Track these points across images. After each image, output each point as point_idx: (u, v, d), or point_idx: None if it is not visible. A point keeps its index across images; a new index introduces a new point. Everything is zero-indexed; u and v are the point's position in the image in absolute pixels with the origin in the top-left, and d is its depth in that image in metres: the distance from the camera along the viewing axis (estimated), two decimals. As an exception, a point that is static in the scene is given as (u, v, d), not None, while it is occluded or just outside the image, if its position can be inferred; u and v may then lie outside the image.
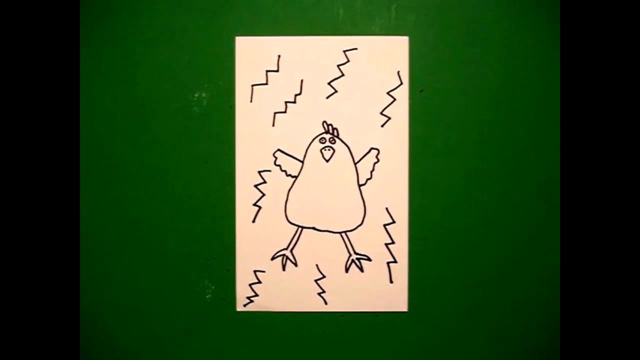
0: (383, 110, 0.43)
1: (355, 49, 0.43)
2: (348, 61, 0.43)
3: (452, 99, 0.43)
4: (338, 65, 0.43)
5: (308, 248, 0.43)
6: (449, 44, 0.43)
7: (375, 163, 0.43)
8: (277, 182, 0.43)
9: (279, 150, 0.43)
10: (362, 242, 0.43)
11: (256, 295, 0.43)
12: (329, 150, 0.43)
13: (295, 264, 0.43)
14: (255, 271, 0.43)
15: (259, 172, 0.43)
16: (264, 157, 0.43)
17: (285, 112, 0.43)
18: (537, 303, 0.43)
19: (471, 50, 0.43)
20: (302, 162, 0.43)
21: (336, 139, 0.43)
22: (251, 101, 0.43)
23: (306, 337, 0.43)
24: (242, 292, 0.43)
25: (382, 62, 0.43)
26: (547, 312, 0.42)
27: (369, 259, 0.43)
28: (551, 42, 0.42)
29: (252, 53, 0.43)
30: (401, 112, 0.43)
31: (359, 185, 0.43)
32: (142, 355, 0.44)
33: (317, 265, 0.43)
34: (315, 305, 0.43)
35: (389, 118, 0.43)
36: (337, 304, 0.43)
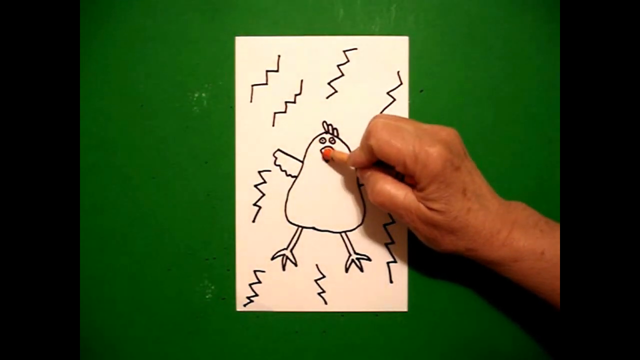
0: (383, 111, 0.43)
1: (355, 49, 0.43)
2: (348, 61, 0.43)
3: (452, 99, 0.43)
4: (338, 65, 0.43)
5: (308, 248, 0.43)
6: (449, 44, 0.43)
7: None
8: (277, 182, 0.43)
9: (279, 150, 0.43)
10: (362, 242, 0.43)
11: (256, 295, 0.43)
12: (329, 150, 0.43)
13: (295, 264, 0.43)
14: (255, 271, 0.43)
15: (259, 172, 0.43)
16: (264, 157, 0.43)
17: (285, 112, 0.43)
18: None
19: (471, 50, 0.43)
20: (302, 162, 0.43)
21: (336, 139, 0.43)
22: (251, 101, 0.43)
23: (306, 337, 0.43)
24: (242, 292, 0.43)
25: (382, 62, 0.43)
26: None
27: (369, 259, 0.43)
28: (551, 42, 0.42)
29: (252, 53, 0.43)
30: (401, 112, 0.43)
31: (359, 185, 0.43)
32: (142, 355, 0.44)
33: (317, 265, 0.43)
34: (315, 305, 0.43)
35: (389, 118, 0.43)
36: (337, 304, 0.43)
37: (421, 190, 0.35)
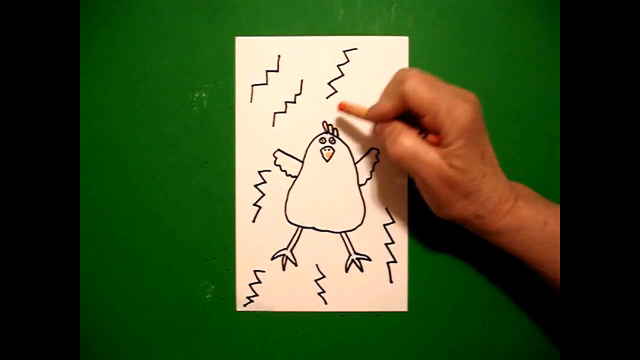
0: (383, 110, 0.43)
1: (355, 49, 0.43)
2: (348, 61, 0.43)
3: (452, 99, 0.43)
4: (338, 65, 0.43)
5: (308, 248, 0.43)
6: (449, 44, 0.43)
7: (375, 163, 0.43)
8: (277, 182, 0.43)
9: (279, 150, 0.43)
10: (362, 242, 0.43)
11: (256, 295, 0.43)
12: (329, 150, 0.43)
13: (295, 264, 0.43)
14: (255, 271, 0.43)
15: (259, 172, 0.43)
16: (264, 157, 0.43)
17: (285, 112, 0.43)
18: (540, 303, 0.43)
19: (471, 50, 0.43)
20: (302, 162, 0.43)
21: (336, 139, 0.43)
22: (251, 101, 0.43)
23: (306, 337, 0.43)
24: (242, 292, 0.43)
25: (382, 62, 0.43)
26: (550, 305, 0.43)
27: (369, 259, 0.43)
28: (551, 42, 0.42)
29: (252, 53, 0.43)
30: (401, 112, 0.42)
31: (359, 185, 0.43)
32: (142, 355, 0.44)
33: (317, 265, 0.43)
34: (315, 305, 0.43)
35: (389, 118, 0.43)
36: (337, 304, 0.43)
37: (447, 145, 0.35)
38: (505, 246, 0.37)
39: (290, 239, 0.43)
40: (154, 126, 0.43)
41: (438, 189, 0.36)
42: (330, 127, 0.43)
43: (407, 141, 0.36)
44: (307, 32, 0.43)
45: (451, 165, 0.35)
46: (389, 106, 0.37)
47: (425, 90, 0.34)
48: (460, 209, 0.36)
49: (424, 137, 0.36)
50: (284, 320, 0.43)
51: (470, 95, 0.36)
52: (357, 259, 0.43)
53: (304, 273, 0.43)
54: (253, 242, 0.43)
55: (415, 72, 0.36)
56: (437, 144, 0.35)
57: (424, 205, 0.39)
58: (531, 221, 0.36)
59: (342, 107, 0.41)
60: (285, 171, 0.43)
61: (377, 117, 0.38)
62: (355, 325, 0.43)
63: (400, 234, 0.43)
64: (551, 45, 0.42)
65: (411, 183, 0.43)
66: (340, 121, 0.43)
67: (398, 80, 0.36)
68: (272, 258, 0.43)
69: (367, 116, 0.39)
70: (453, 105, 0.34)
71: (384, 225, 0.43)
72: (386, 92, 0.37)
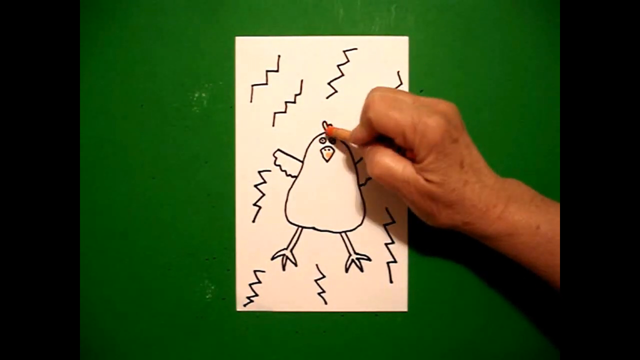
0: (383, 110, 0.43)
1: (355, 49, 0.43)
2: (348, 61, 0.43)
3: (451, 99, 0.42)
4: (338, 65, 0.43)
5: (308, 248, 0.43)
6: (449, 44, 0.43)
7: (375, 163, 0.43)
8: (277, 182, 0.43)
9: (279, 150, 0.43)
10: (362, 242, 0.43)
11: (256, 295, 0.43)
12: (329, 150, 0.43)
13: (295, 264, 0.43)
14: (255, 271, 0.43)
15: (259, 172, 0.43)
16: (264, 157, 0.43)
17: (285, 112, 0.43)
18: (540, 303, 0.43)
19: (471, 50, 0.43)
20: (302, 162, 0.43)
21: (336, 139, 0.43)
22: (251, 101, 0.43)
23: (306, 337, 0.43)
24: (242, 292, 0.43)
25: (382, 62, 0.43)
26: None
27: (369, 259, 0.43)
28: (551, 42, 0.42)
29: (252, 53, 0.43)
30: (401, 112, 0.42)
31: (359, 185, 0.43)
32: (142, 355, 0.44)
33: (317, 265, 0.43)
34: (315, 305, 0.43)
35: (389, 118, 0.43)
36: (337, 304, 0.43)
37: (420, 161, 0.35)
38: (500, 250, 0.37)
39: (290, 239, 0.43)
40: (154, 126, 0.43)
41: (420, 203, 0.36)
42: (330, 127, 0.43)
43: (382, 160, 0.36)
44: (307, 32, 0.43)
45: (427, 180, 0.35)
46: (363, 132, 0.37)
47: (387, 115, 0.34)
48: (446, 218, 0.36)
49: (404, 153, 0.37)
50: (284, 320, 0.43)
51: (441, 106, 0.35)
52: (357, 259, 0.43)
53: (304, 273, 0.43)
54: (253, 242, 0.43)
55: (377, 97, 0.35)
56: (414, 159, 0.36)
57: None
58: (523, 227, 0.35)
59: (330, 132, 0.42)
60: (285, 171, 0.43)
61: (356, 142, 0.39)
62: (355, 325, 0.43)
63: (400, 234, 0.43)
64: (551, 45, 0.42)
65: (411, 183, 0.42)
66: (340, 121, 0.43)
67: (365, 107, 0.36)
68: (272, 258, 0.43)
69: (349, 140, 0.40)
70: (418, 124, 0.34)
71: (384, 225, 0.43)
72: (360, 119, 0.38)
